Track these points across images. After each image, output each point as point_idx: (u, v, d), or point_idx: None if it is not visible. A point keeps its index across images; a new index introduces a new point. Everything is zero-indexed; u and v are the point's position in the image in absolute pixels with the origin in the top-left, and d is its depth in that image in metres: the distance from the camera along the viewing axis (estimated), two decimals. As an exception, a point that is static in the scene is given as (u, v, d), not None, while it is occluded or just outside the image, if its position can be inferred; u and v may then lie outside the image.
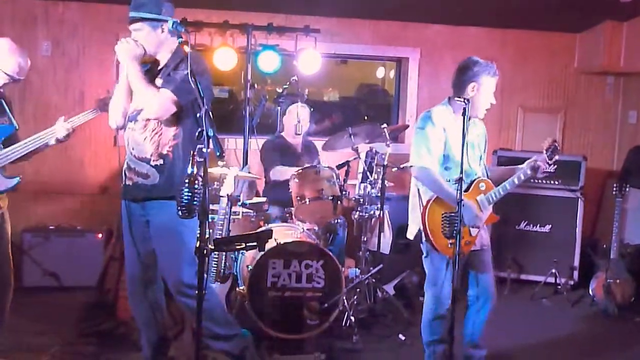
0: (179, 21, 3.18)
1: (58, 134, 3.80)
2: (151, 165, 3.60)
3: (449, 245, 3.57)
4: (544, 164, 3.91)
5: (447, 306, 3.78)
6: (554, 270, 6.16)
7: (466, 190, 3.79)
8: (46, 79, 6.26)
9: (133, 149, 3.66)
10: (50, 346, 4.51)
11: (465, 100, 3.54)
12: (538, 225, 6.42)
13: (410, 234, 4.04)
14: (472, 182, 3.87)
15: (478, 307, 4.03)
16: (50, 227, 6.02)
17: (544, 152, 3.93)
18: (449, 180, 3.77)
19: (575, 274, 6.33)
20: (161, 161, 3.60)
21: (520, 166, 3.97)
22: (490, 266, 4.03)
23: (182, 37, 3.20)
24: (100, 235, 5.96)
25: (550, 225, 6.40)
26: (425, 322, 4.07)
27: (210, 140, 2.86)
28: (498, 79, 3.92)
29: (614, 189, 5.75)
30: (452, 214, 3.46)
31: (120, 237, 5.04)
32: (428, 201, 3.86)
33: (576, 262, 6.34)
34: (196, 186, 2.79)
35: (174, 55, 3.65)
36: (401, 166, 5.46)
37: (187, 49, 3.08)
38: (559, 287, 6.17)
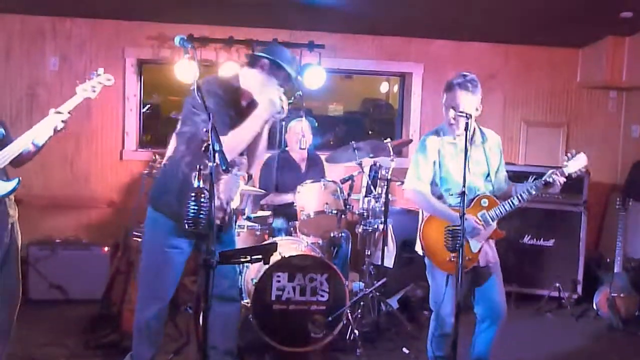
0: (185, 37, 3.21)
1: (52, 124, 3.72)
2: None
3: (450, 260, 3.60)
4: (558, 183, 3.84)
5: (451, 323, 3.74)
6: (557, 285, 6.17)
7: (467, 207, 3.79)
8: (54, 93, 6.34)
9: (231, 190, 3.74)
10: (56, 358, 4.53)
11: (467, 115, 3.57)
12: (542, 239, 6.42)
13: (418, 248, 4.05)
14: (473, 198, 3.87)
15: (486, 326, 3.99)
16: (57, 241, 6.05)
17: (564, 173, 3.82)
18: (452, 204, 3.83)
19: (579, 288, 6.32)
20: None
21: (531, 182, 3.91)
22: (498, 284, 3.97)
23: (188, 53, 3.24)
24: (106, 249, 5.98)
25: (553, 240, 6.39)
26: (430, 338, 4.08)
27: (216, 154, 2.89)
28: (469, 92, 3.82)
29: (618, 203, 5.77)
30: (455, 227, 3.47)
31: (126, 250, 5.09)
32: (425, 218, 3.92)
33: (580, 276, 6.33)
34: (202, 200, 2.82)
35: None
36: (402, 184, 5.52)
37: (193, 64, 3.13)
38: (563, 301, 6.17)
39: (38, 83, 6.43)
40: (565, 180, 3.83)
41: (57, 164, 6.34)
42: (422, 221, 3.96)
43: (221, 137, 3.23)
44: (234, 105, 3.61)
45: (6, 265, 3.76)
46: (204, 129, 3.28)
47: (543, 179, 3.83)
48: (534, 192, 3.83)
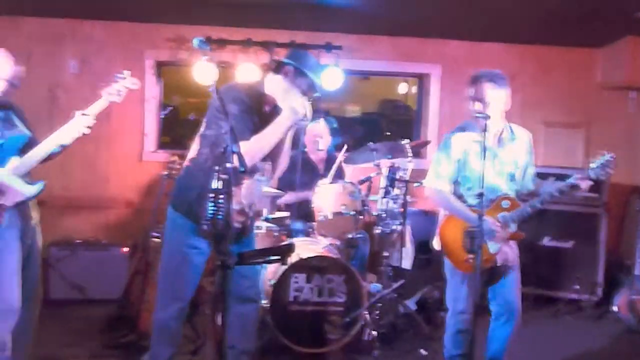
0: (203, 39, 3.24)
1: (78, 128, 3.77)
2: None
3: (467, 261, 3.59)
4: (585, 186, 3.81)
5: (467, 320, 3.79)
6: (577, 287, 6.13)
7: (487, 207, 3.79)
8: (73, 96, 6.39)
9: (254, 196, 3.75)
10: (75, 357, 4.58)
11: (486, 115, 3.56)
12: (561, 241, 6.37)
13: (436, 244, 4.05)
14: (494, 199, 3.86)
15: (501, 323, 3.99)
16: (77, 241, 6.11)
17: (590, 176, 3.78)
18: (472, 204, 3.82)
19: (599, 290, 6.27)
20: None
21: (555, 185, 3.87)
22: (515, 283, 3.96)
23: (206, 55, 3.27)
24: (125, 249, 6.03)
25: (573, 241, 6.34)
26: (447, 336, 4.08)
27: (235, 156, 2.91)
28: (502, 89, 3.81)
29: (638, 204, 5.72)
30: (473, 229, 3.47)
31: (145, 251, 5.12)
32: (444, 217, 3.93)
33: (600, 278, 6.29)
34: (220, 201, 2.84)
35: None
36: (423, 182, 5.51)
37: (212, 66, 3.16)
38: (583, 303, 6.13)
39: (58, 85, 6.49)
40: (591, 183, 3.80)
41: (77, 166, 6.39)
42: (441, 220, 3.96)
43: (243, 142, 3.26)
44: (258, 111, 3.63)
45: (28, 266, 3.80)
46: (224, 132, 3.32)
47: (569, 182, 3.80)
48: (557, 195, 3.80)
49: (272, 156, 3.73)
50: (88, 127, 3.76)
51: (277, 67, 3.73)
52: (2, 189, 3.58)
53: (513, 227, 3.88)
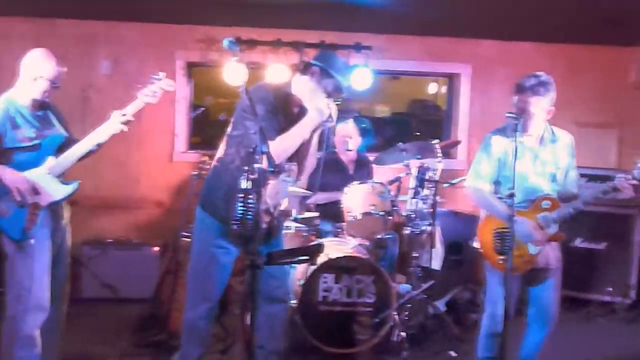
0: (233, 40, 3.25)
1: (115, 127, 3.84)
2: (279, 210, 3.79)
3: (500, 261, 3.56)
4: (628, 191, 3.73)
5: (501, 326, 3.71)
6: (609, 289, 6.04)
7: (528, 208, 3.78)
8: (106, 97, 6.46)
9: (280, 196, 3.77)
10: (106, 356, 4.63)
11: (515, 117, 3.53)
12: (593, 243, 6.29)
13: (476, 244, 4.02)
14: (534, 199, 3.81)
15: (536, 329, 3.96)
16: (108, 241, 6.19)
17: (636, 176, 3.69)
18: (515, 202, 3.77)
19: (632, 292, 6.16)
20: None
21: (598, 187, 3.83)
22: (554, 289, 3.93)
23: (236, 56, 3.29)
24: (156, 249, 6.09)
25: (605, 243, 6.25)
26: (480, 338, 4.05)
27: (264, 156, 2.92)
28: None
29: (672, 205, 5.64)
30: (503, 230, 3.44)
31: (176, 251, 5.16)
32: (484, 216, 3.91)
33: (633, 281, 6.18)
34: (250, 201, 2.85)
35: None
36: (452, 182, 5.48)
37: (241, 66, 3.18)
38: (615, 305, 6.04)
39: (91, 86, 6.57)
40: (637, 184, 3.72)
41: (108, 166, 6.45)
42: (480, 220, 3.93)
43: (269, 142, 3.27)
44: (284, 112, 3.64)
45: (57, 265, 3.86)
46: (253, 133, 3.34)
47: (612, 183, 3.74)
48: (600, 197, 3.76)
49: (297, 157, 3.74)
50: (124, 125, 3.82)
51: (304, 68, 3.73)
52: (38, 189, 3.64)
53: (554, 228, 3.83)
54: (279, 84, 3.85)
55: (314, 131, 3.68)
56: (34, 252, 3.65)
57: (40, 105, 3.82)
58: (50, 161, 3.72)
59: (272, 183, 3.58)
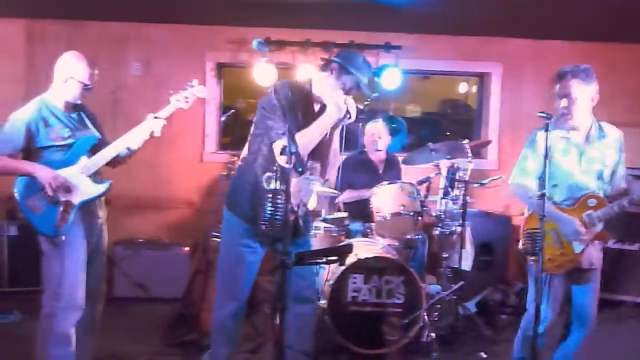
0: (262, 40, 3.26)
1: (149, 127, 3.92)
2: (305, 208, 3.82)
3: (549, 259, 3.56)
4: None
5: (542, 326, 3.67)
6: (643, 290, 5.95)
7: (572, 205, 3.74)
8: (136, 97, 6.53)
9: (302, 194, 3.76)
10: (138, 354, 4.67)
11: (547, 115, 3.49)
12: (627, 244, 6.20)
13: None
14: (580, 197, 3.76)
15: (575, 328, 3.91)
16: (140, 240, 6.26)
17: None
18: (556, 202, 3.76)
19: (667, 294, 6.07)
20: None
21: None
22: (594, 288, 3.86)
23: (265, 56, 3.30)
24: (186, 249, 6.13)
25: (639, 244, 6.16)
26: (517, 337, 4.01)
27: (293, 156, 2.92)
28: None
29: None
30: (534, 230, 3.41)
31: (206, 250, 5.19)
32: (528, 214, 3.86)
33: (667, 282, 6.08)
34: (279, 201, 2.86)
35: None
36: (483, 182, 5.43)
37: (271, 67, 3.19)
38: (650, 307, 5.96)
39: (121, 87, 6.64)
40: None
41: (140, 167, 6.50)
42: (524, 219, 3.89)
43: (279, 142, 3.32)
44: (304, 108, 3.64)
45: (93, 264, 3.91)
46: (274, 132, 3.36)
47: None
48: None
49: (319, 154, 3.73)
50: (158, 129, 3.89)
51: (325, 65, 3.73)
52: (70, 187, 3.70)
53: (599, 227, 3.77)
54: (300, 82, 3.85)
55: (333, 128, 3.67)
56: (67, 249, 3.70)
57: (74, 107, 3.90)
58: (83, 161, 3.78)
59: (294, 181, 3.58)
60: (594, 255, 3.81)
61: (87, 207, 3.83)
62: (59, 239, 3.67)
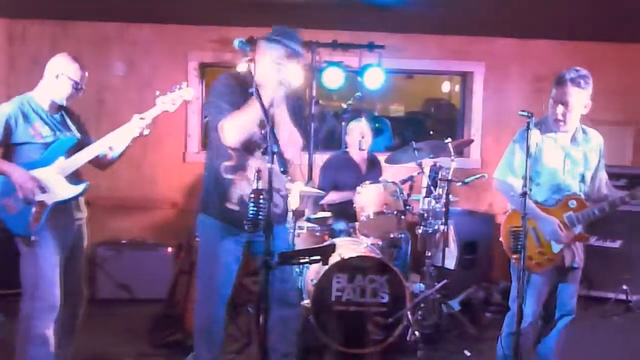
0: (244, 40, 3.25)
1: (134, 127, 3.92)
2: (280, 195, 3.74)
3: (529, 257, 3.60)
4: None
5: (524, 323, 3.73)
6: (625, 287, 5.99)
7: (554, 205, 3.78)
8: (120, 98, 6.50)
9: (273, 181, 3.70)
10: (122, 356, 4.65)
11: (529, 113, 3.51)
12: (608, 240, 6.25)
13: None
14: (562, 198, 3.79)
15: (557, 321, 3.97)
16: (123, 241, 6.23)
17: None
18: (539, 201, 3.80)
19: (649, 291, 6.13)
20: (285, 192, 3.82)
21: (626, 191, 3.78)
22: (574, 287, 3.94)
23: (247, 56, 3.30)
24: (170, 249, 6.11)
25: (621, 241, 6.22)
26: (501, 336, 4.03)
27: (275, 156, 2.92)
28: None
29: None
30: (517, 229, 3.44)
31: (189, 251, 5.18)
32: (509, 212, 3.90)
33: (649, 279, 6.14)
34: (261, 201, 2.86)
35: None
36: (466, 181, 5.45)
37: (252, 67, 3.19)
38: (631, 304, 6.00)
39: (105, 88, 6.61)
40: None
41: (123, 167, 6.46)
42: (505, 216, 3.93)
43: (221, 122, 3.41)
44: (241, 93, 3.54)
45: (71, 265, 3.90)
46: (218, 114, 3.46)
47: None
48: (628, 200, 3.72)
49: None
50: (144, 129, 3.93)
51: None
52: (45, 187, 3.68)
53: (579, 228, 3.81)
54: (236, 71, 3.89)
55: (276, 107, 3.59)
56: (40, 250, 3.69)
57: (58, 108, 3.88)
58: (60, 161, 3.76)
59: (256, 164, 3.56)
60: (574, 256, 3.85)
61: (63, 207, 3.80)
62: (32, 240, 3.65)
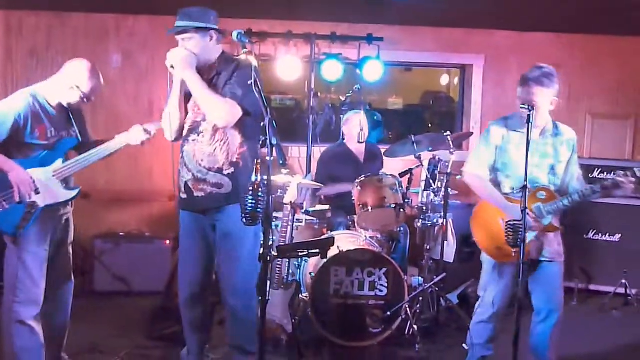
0: (243, 32, 3.23)
1: (132, 140, 3.93)
2: (224, 175, 3.72)
3: (497, 247, 3.68)
4: (628, 188, 3.64)
5: (491, 312, 3.90)
6: (624, 281, 6.00)
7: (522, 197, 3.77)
8: (117, 90, 6.45)
9: (202, 160, 3.73)
10: (120, 348, 4.63)
11: (529, 107, 3.51)
12: (607, 235, 6.25)
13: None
14: (531, 189, 3.75)
15: (541, 319, 3.92)
16: (120, 234, 6.20)
17: (636, 174, 3.62)
18: (513, 189, 3.82)
19: (647, 284, 6.13)
20: (232, 169, 3.73)
21: (595, 184, 3.74)
22: (557, 279, 3.89)
23: (246, 48, 3.27)
24: (167, 242, 6.09)
25: (620, 235, 6.22)
26: (472, 325, 4.11)
27: (274, 149, 2.90)
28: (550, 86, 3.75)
29: (688, 197, 5.57)
30: (517, 222, 3.42)
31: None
32: (478, 203, 4.00)
33: (647, 272, 6.14)
34: (260, 193, 2.84)
35: (221, 62, 3.80)
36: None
37: (252, 59, 3.17)
38: (630, 298, 6.00)
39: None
40: (636, 181, 3.67)
41: (121, 159, 6.46)
42: (476, 206, 4.01)
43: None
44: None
45: (58, 258, 3.91)
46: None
47: (611, 179, 3.70)
48: (599, 192, 3.68)
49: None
50: (143, 142, 4.02)
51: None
52: (39, 188, 3.65)
53: (549, 219, 3.81)
54: None
55: (210, 82, 3.72)
56: (26, 245, 3.67)
57: (64, 109, 3.84)
58: (58, 164, 3.74)
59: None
60: (547, 247, 3.85)
61: (51, 208, 3.78)
62: (18, 237, 3.64)
